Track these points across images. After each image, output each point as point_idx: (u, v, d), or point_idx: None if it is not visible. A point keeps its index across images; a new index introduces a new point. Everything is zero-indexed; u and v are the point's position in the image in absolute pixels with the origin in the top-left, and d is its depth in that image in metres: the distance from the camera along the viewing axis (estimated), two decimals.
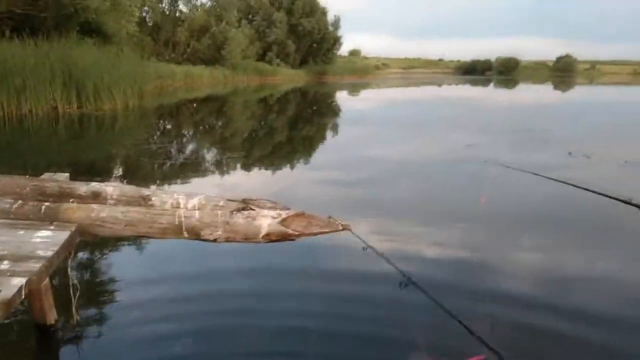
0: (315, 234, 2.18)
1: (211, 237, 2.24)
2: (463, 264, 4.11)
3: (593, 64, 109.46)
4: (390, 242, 4.39)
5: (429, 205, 6.04)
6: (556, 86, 50.12)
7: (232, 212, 2.24)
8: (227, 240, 2.23)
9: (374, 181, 7.36)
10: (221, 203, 2.32)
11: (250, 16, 47.48)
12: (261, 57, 45.69)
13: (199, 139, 12.51)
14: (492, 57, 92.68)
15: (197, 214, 2.28)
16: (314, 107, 23.25)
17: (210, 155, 9.92)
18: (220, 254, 3.75)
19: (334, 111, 20.62)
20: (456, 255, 4.32)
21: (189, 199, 2.36)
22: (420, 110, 18.29)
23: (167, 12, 38.41)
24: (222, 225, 2.22)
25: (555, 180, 2.56)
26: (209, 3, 40.43)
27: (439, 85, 46.67)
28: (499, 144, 10.76)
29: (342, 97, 29.91)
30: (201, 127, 14.91)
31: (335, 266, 4.01)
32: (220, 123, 16.38)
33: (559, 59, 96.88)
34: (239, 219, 2.21)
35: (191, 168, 8.08)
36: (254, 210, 2.20)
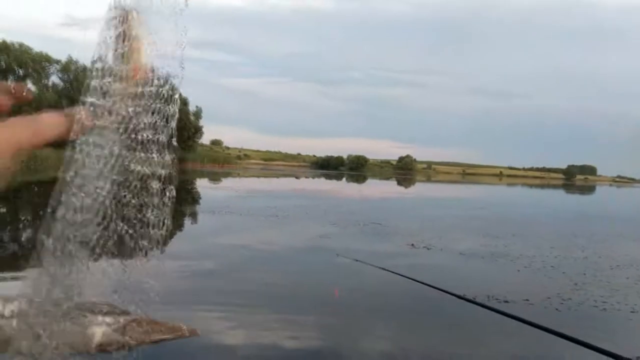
0: (157, 342, 1.99)
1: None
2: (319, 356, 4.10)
3: (429, 164, 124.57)
4: (244, 337, 4.22)
5: (285, 296, 6.02)
6: (399, 182, 55.51)
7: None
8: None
9: (228, 271, 7.18)
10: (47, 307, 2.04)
11: None
12: None
13: None
14: (344, 154, 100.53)
15: (14, 322, 1.96)
16: None
17: None
18: None
19: (194, 198, 20.16)
20: (312, 348, 4.30)
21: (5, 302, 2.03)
22: (279, 201, 18.77)
23: None
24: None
25: (401, 275, 2.82)
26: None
27: (297, 177, 48.72)
28: (350, 236, 11.33)
29: (202, 185, 29.50)
30: None
31: None
32: None
33: (401, 158, 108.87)
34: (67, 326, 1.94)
35: None
36: (85, 316, 1.97)
